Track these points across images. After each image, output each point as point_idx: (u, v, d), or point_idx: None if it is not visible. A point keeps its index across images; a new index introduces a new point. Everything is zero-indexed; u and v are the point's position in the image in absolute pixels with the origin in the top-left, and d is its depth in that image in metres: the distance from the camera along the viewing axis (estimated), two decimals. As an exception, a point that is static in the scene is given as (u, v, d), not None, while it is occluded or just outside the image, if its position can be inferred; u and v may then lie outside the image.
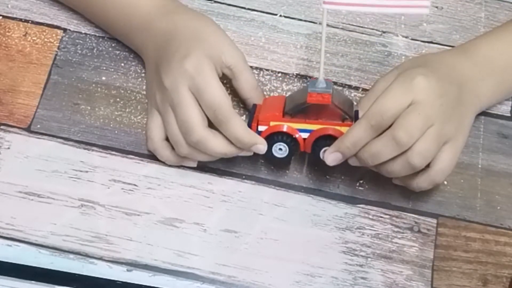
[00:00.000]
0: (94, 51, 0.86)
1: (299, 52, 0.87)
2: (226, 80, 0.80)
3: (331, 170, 0.78)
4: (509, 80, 0.82)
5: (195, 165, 0.79)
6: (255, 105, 0.79)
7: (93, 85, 0.84)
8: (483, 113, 0.84)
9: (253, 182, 0.80)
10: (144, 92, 0.83)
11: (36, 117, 0.82)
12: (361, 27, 0.89)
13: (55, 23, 0.87)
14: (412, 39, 0.88)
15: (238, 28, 0.88)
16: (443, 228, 0.78)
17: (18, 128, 0.81)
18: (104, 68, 0.85)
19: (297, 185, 0.80)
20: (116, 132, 0.82)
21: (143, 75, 0.84)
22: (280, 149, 0.77)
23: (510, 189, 0.81)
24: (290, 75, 0.85)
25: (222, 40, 0.78)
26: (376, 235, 0.78)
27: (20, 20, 0.87)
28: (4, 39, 0.86)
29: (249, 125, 0.76)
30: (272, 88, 0.85)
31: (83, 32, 0.87)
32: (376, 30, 0.89)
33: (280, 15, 0.89)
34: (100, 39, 0.86)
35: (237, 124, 0.74)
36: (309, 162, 0.80)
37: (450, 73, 0.77)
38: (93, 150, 0.80)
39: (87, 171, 0.79)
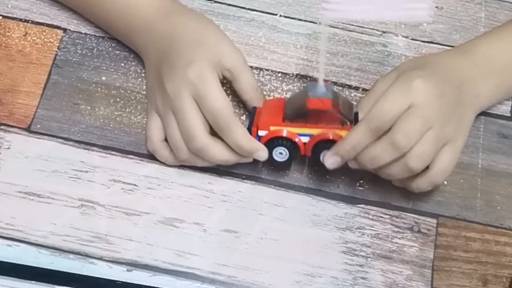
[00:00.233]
0: (94, 51, 0.86)
1: (299, 52, 0.87)
2: (226, 81, 0.80)
3: (331, 170, 0.78)
4: (509, 80, 0.82)
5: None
6: (254, 108, 0.79)
7: (93, 85, 0.84)
8: (483, 113, 0.83)
9: (253, 182, 0.80)
10: (144, 92, 0.83)
11: (36, 117, 0.82)
12: (361, 27, 0.89)
13: (55, 23, 0.87)
14: (412, 39, 0.88)
15: (238, 28, 0.88)
16: (443, 228, 0.78)
17: (18, 128, 0.81)
18: (104, 68, 0.85)
19: (297, 185, 0.80)
20: (116, 132, 0.82)
21: (143, 75, 0.84)
22: (281, 153, 0.77)
23: (510, 189, 0.81)
24: (290, 75, 0.85)
25: (221, 43, 0.78)
26: (376, 235, 0.78)
27: (20, 20, 0.87)
28: (4, 39, 0.86)
29: (249, 129, 0.76)
30: (272, 88, 0.85)
31: (83, 32, 0.87)
32: (376, 30, 0.89)
33: (280, 15, 0.89)
34: (100, 39, 0.86)
35: (239, 131, 0.75)
36: (309, 163, 0.80)
37: (450, 74, 0.77)
38: (93, 150, 0.80)
39: (87, 171, 0.79)
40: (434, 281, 0.76)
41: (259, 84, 0.82)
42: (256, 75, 0.85)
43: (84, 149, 0.80)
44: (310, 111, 0.74)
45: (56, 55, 0.85)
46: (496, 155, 0.82)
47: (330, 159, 0.75)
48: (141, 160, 0.80)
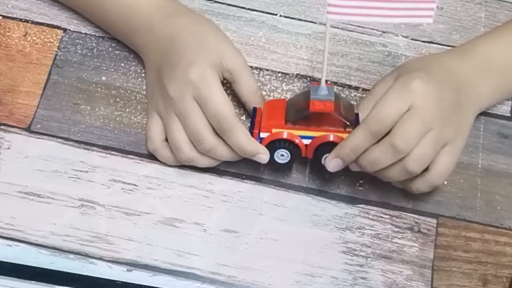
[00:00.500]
0: (94, 51, 0.86)
1: (299, 52, 0.87)
2: (226, 81, 0.80)
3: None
4: (509, 80, 0.82)
5: None
6: (255, 109, 0.79)
7: (93, 85, 0.84)
8: (483, 113, 0.83)
9: (253, 182, 0.80)
10: (144, 92, 0.83)
11: (36, 117, 0.82)
12: (361, 27, 0.89)
13: (55, 23, 0.87)
14: (412, 39, 0.88)
15: (238, 28, 0.88)
16: (443, 228, 0.78)
17: (18, 128, 0.81)
18: (104, 68, 0.85)
19: (297, 185, 0.80)
20: (116, 132, 0.82)
21: (143, 75, 0.84)
22: (282, 155, 0.77)
23: (510, 189, 0.81)
24: (290, 75, 0.85)
25: (221, 44, 0.78)
26: (376, 235, 0.78)
27: (20, 20, 0.87)
28: (4, 39, 0.86)
29: (251, 130, 0.76)
30: (272, 88, 0.85)
31: (83, 32, 0.87)
32: (376, 30, 0.89)
33: (280, 15, 0.89)
34: (100, 39, 0.86)
35: (240, 133, 0.75)
36: (309, 163, 0.80)
37: (449, 76, 0.77)
38: (93, 150, 0.80)
39: (87, 171, 0.79)
40: (434, 281, 0.76)
41: (259, 84, 0.83)
42: (256, 75, 0.85)
43: (84, 149, 0.80)
44: (313, 113, 0.74)
45: (56, 55, 0.85)
46: (496, 155, 0.82)
47: (331, 162, 0.75)
48: (141, 160, 0.80)
